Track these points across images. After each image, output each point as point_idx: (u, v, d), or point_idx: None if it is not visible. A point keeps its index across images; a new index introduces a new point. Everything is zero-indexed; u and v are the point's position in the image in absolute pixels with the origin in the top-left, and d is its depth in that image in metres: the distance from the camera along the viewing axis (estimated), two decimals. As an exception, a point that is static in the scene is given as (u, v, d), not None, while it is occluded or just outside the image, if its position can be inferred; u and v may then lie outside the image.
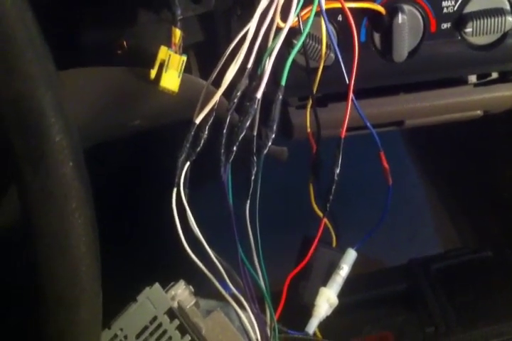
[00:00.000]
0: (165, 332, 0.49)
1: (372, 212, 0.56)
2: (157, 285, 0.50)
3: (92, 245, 0.39)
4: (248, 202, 0.46)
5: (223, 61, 0.48)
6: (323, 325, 0.54)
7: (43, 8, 0.39)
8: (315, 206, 0.56)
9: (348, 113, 0.50)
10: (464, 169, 1.06)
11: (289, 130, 0.62)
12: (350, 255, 0.55)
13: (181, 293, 0.49)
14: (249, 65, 0.46)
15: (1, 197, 0.54)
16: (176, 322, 0.49)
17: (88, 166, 0.39)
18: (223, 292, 0.46)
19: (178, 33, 0.51)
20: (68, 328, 0.39)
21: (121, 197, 0.95)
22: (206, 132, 0.46)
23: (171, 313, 0.49)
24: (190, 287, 0.50)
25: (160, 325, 0.49)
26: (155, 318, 0.50)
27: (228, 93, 0.47)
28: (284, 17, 0.48)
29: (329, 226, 0.56)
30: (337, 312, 0.55)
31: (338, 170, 0.51)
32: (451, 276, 0.80)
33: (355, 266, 0.56)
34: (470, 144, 1.03)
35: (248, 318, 0.47)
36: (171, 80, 0.51)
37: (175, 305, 0.49)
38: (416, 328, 0.77)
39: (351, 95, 0.50)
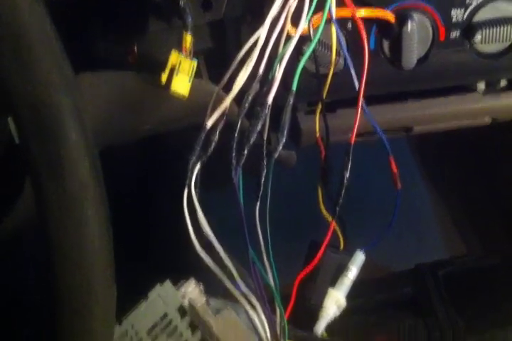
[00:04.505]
0: (175, 329, 0.50)
1: (378, 216, 0.56)
2: (168, 282, 0.50)
3: (107, 247, 0.39)
4: (258, 204, 0.47)
5: (234, 67, 0.48)
6: (330, 328, 0.55)
7: (55, 16, 0.40)
8: (323, 210, 0.57)
9: (358, 119, 0.51)
10: (470, 175, 1.06)
11: (297, 135, 0.63)
12: (359, 257, 0.55)
13: (192, 290, 0.49)
14: (261, 71, 0.47)
15: (14, 200, 0.54)
16: (187, 319, 0.50)
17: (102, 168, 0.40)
18: (234, 290, 0.47)
19: (189, 38, 0.52)
20: (81, 338, 0.40)
21: (133, 197, 0.95)
22: (217, 135, 0.47)
23: (182, 310, 0.50)
24: (201, 285, 0.51)
25: (170, 322, 0.50)
26: (166, 315, 0.50)
27: (238, 98, 0.48)
28: (295, 24, 0.48)
29: (337, 230, 0.56)
30: (344, 315, 0.55)
31: (347, 174, 0.51)
32: (459, 282, 0.80)
33: (360, 271, 0.57)
34: (476, 151, 1.03)
35: (258, 317, 0.47)
36: (181, 85, 0.51)
37: (185, 302, 0.49)
38: (422, 333, 0.77)
39: (361, 101, 0.51)
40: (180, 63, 0.51)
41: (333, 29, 0.51)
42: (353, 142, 0.52)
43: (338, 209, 0.53)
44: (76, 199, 0.37)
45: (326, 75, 0.54)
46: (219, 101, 0.48)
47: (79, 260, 0.38)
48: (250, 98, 0.47)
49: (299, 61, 0.48)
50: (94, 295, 0.39)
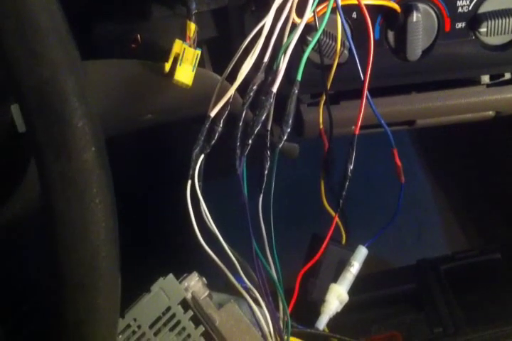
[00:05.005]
0: (178, 322, 0.50)
1: (379, 210, 0.56)
2: (171, 275, 0.50)
3: (112, 231, 0.38)
4: (261, 196, 0.46)
5: (238, 56, 0.48)
6: (332, 323, 0.54)
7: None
8: (326, 203, 0.56)
9: (363, 110, 0.50)
10: (472, 170, 1.06)
11: (300, 127, 0.62)
12: (361, 252, 0.55)
13: (195, 284, 0.49)
14: (266, 60, 0.46)
15: (17, 185, 0.53)
16: (190, 313, 0.50)
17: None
18: (237, 285, 0.46)
19: (192, 26, 0.51)
20: (86, 315, 0.39)
21: (136, 188, 0.95)
22: (221, 125, 0.46)
23: (185, 304, 0.50)
24: (204, 279, 0.50)
25: (173, 316, 0.50)
26: (168, 309, 0.50)
27: (241, 88, 0.47)
28: (300, 13, 0.47)
29: (339, 223, 0.56)
30: (346, 311, 0.54)
31: (351, 167, 0.51)
32: (460, 277, 0.80)
33: (362, 266, 0.56)
34: (478, 146, 1.03)
35: (261, 311, 0.47)
36: (185, 74, 0.51)
37: (188, 296, 0.49)
38: (424, 328, 0.77)
39: (366, 92, 0.50)
40: (184, 52, 0.51)
41: (338, 16, 0.50)
42: (357, 133, 0.51)
43: (341, 202, 0.53)
44: (80, 183, 0.36)
45: (331, 66, 0.53)
46: (223, 90, 0.47)
47: (82, 235, 0.37)
48: (255, 87, 0.46)
49: (303, 51, 0.48)
50: (99, 269, 0.38)
